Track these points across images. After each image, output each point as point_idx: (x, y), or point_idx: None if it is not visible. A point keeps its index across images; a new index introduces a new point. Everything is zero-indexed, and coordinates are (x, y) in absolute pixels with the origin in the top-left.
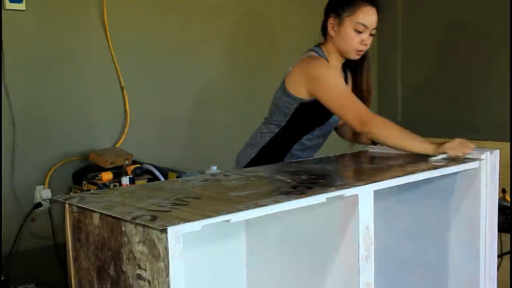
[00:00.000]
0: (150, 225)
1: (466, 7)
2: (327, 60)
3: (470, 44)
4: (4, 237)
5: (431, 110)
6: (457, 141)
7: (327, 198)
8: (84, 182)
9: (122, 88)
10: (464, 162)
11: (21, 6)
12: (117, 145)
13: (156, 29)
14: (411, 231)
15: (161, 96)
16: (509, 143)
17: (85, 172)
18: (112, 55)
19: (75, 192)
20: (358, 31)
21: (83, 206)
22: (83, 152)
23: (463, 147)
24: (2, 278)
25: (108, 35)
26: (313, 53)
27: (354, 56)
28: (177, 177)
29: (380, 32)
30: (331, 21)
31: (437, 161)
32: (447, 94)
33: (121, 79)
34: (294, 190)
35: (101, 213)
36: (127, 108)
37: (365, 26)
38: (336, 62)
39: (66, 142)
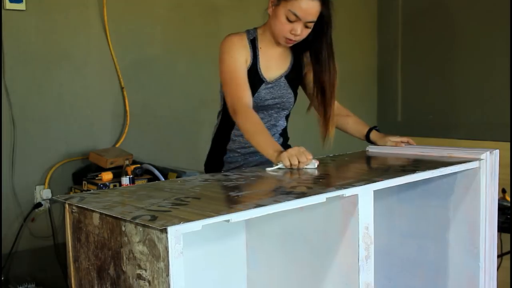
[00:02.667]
0: (150, 225)
1: (466, 7)
2: (255, 39)
3: (470, 44)
4: (4, 237)
5: (431, 110)
6: (294, 150)
7: (327, 198)
8: (84, 182)
9: (122, 88)
10: (465, 162)
11: (21, 6)
12: (117, 145)
13: (156, 29)
14: (411, 231)
15: (161, 96)
16: (509, 143)
17: (85, 172)
18: (112, 55)
19: (75, 192)
20: (289, 20)
21: (83, 206)
22: (83, 152)
23: (299, 156)
24: (2, 278)
25: (108, 35)
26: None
27: (284, 43)
28: (177, 177)
29: (380, 32)
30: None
31: (272, 170)
32: (447, 94)
33: (121, 79)
34: (294, 190)
35: (101, 213)
36: (127, 108)
37: (297, 17)
38: (269, 45)
39: (66, 142)
